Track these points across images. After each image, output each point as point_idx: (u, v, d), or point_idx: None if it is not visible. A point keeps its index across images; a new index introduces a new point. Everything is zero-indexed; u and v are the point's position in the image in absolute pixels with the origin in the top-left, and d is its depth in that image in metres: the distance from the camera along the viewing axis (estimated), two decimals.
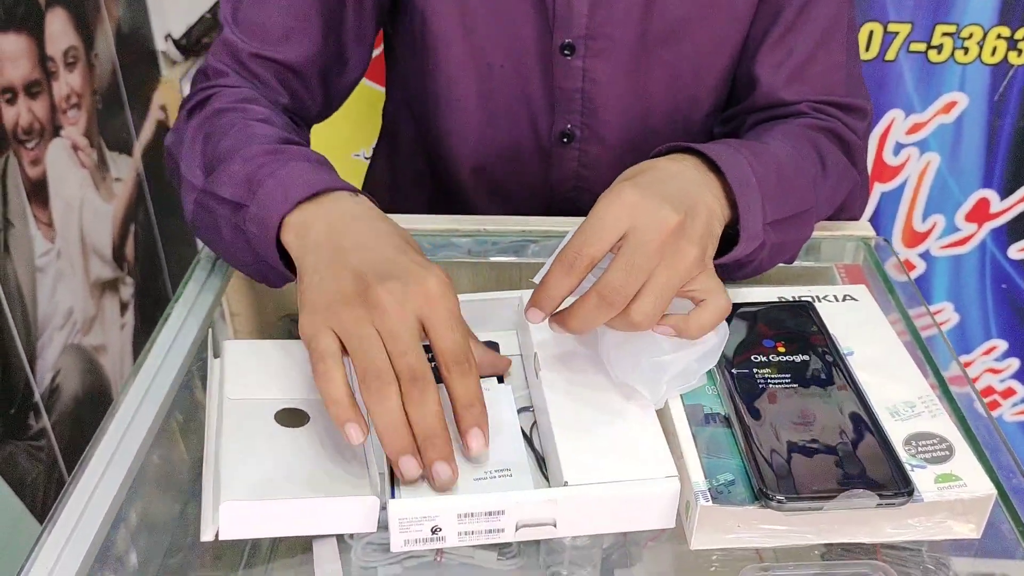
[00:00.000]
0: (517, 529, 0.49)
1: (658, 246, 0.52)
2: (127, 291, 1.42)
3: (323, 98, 0.78)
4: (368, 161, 1.37)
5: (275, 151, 0.61)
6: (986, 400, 1.44)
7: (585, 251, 0.52)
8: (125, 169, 1.42)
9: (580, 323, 0.53)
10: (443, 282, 0.51)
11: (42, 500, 1.11)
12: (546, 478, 0.54)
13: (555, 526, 0.50)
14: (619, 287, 0.51)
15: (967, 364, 1.41)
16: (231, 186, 0.60)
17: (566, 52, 0.76)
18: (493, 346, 0.62)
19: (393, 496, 0.50)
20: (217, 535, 0.48)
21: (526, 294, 0.62)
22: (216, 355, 0.59)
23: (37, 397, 1.12)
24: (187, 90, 1.66)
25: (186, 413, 0.61)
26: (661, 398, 0.54)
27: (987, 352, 1.39)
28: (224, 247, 0.64)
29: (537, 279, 0.54)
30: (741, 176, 0.60)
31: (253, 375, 0.57)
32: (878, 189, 1.29)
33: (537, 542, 0.52)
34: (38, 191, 1.14)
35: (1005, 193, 1.28)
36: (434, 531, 0.49)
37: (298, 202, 0.57)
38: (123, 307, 1.40)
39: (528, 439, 0.56)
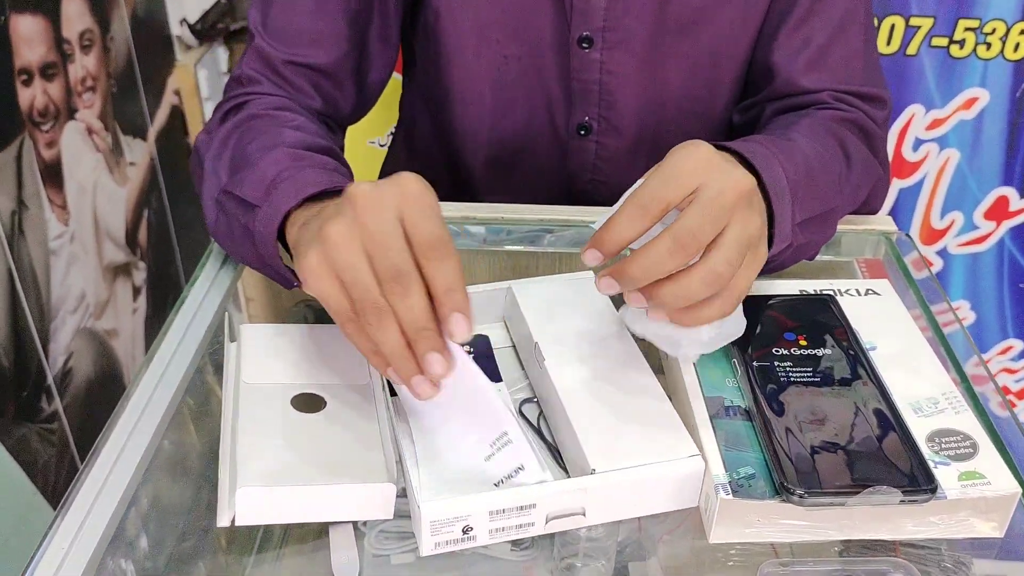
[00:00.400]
0: (547, 522, 0.49)
1: (732, 202, 0.49)
2: (139, 276, 1.42)
3: (355, 99, 0.78)
4: (383, 148, 1.37)
5: (299, 156, 0.61)
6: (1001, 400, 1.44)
7: (661, 194, 0.49)
8: (139, 153, 1.42)
9: (646, 270, 0.49)
10: (420, 181, 0.49)
11: (54, 482, 1.12)
12: (562, 468, 0.53)
13: (584, 515, 0.50)
14: (696, 231, 0.48)
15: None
16: (251, 187, 0.60)
17: (584, 44, 0.76)
18: (483, 340, 0.61)
19: (419, 498, 0.49)
20: (233, 520, 0.47)
21: (516, 284, 0.62)
22: (232, 339, 0.59)
23: (50, 380, 1.13)
24: (202, 76, 1.66)
25: (200, 398, 0.61)
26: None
27: (1003, 352, 1.38)
28: (234, 247, 0.64)
29: (598, 224, 0.51)
30: (775, 178, 0.58)
31: (270, 359, 0.57)
32: (896, 185, 1.28)
33: (552, 534, 0.51)
34: (53, 174, 1.14)
35: None
36: (465, 531, 0.48)
37: (304, 199, 0.56)
38: (135, 292, 1.40)
39: (537, 430, 0.56)
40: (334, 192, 0.57)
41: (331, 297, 0.48)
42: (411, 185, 0.48)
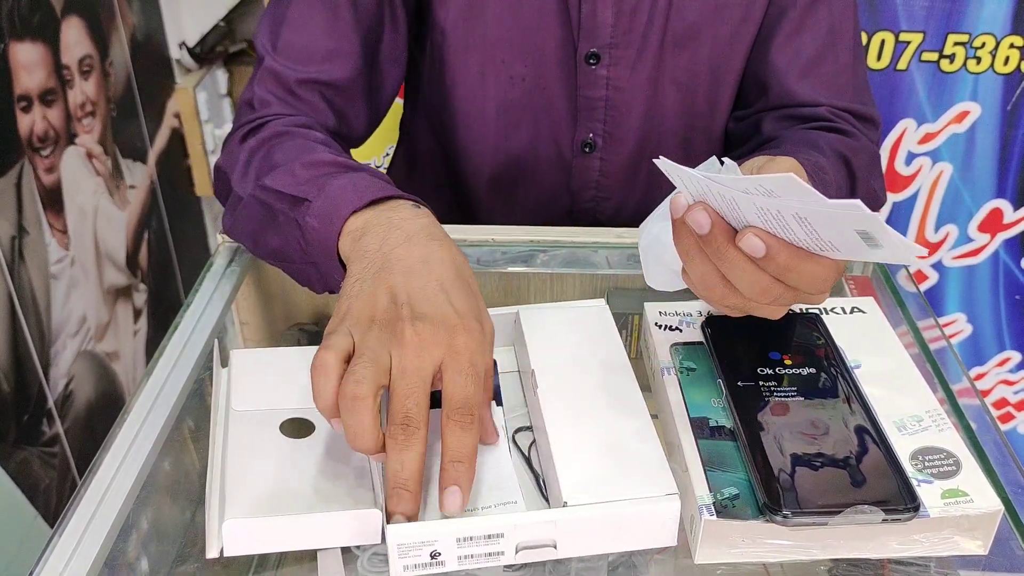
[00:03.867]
0: (517, 552, 0.49)
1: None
2: (140, 298, 1.43)
3: (367, 117, 0.79)
4: (381, 169, 1.38)
5: (340, 162, 0.62)
6: (1000, 412, 1.44)
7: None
8: (139, 176, 1.44)
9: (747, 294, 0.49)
10: (474, 337, 0.50)
11: (55, 506, 1.12)
12: (546, 499, 0.53)
13: (555, 547, 0.49)
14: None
15: (980, 376, 1.40)
16: (295, 183, 0.61)
17: (591, 61, 0.77)
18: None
19: (388, 522, 0.49)
20: (222, 552, 0.48)
21: (524, 309, 0.62)
22: (223, 364, 0.59)
23: (51, 403, 1.13)
24: (202, 98, 1.67)
25: (195, 420, 0.61)
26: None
27: (1001, 364, 1.38)
28: (268, 244, 0.64)
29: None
30: None
31: (260, 385, 0.57)
32: (890, 199, 1.29)
33: None
34: (53, 198, 1.15)
35: (1018, 203, 1.27)
36: (433, 556, 0.48)
37: (369, 202, 0.57)
38: (136, 314, 1.41)
39: (527, 459, 0.56)
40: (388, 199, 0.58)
41: (331, 337, 0.50)
42: (462, 342, 0.50)
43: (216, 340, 0.63)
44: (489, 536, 0.48)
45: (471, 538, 0.48)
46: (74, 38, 1.22)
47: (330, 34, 0.73)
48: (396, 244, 0.54)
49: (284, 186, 0.61)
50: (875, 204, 0.73)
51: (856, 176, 0.69)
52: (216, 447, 0.54)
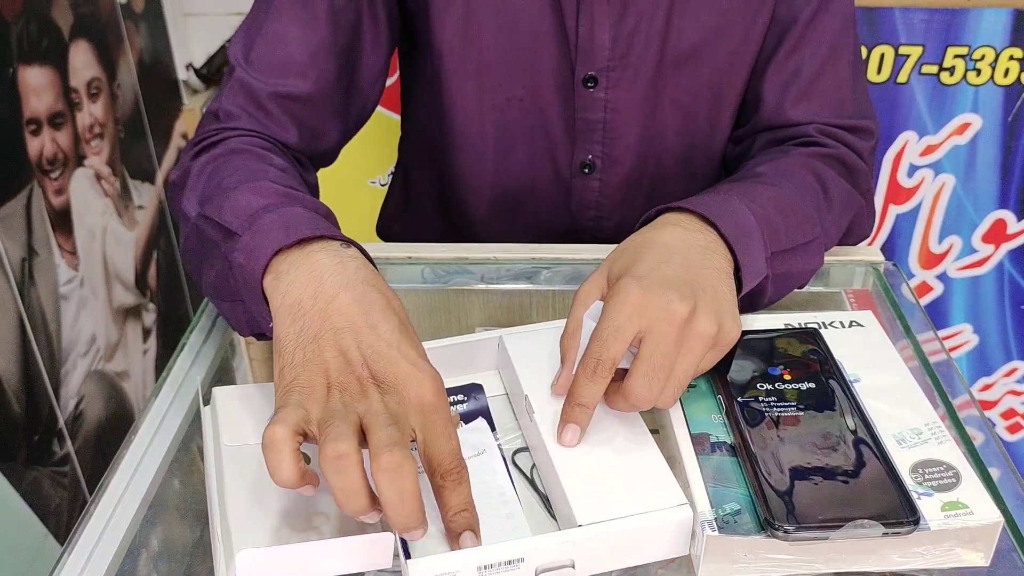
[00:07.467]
0: (537, 574, 0.49)
1: (674, 341, 0.52)
2: (150, 317, 1.44)
3: (337, 133, 0.77)
4: (383, 188, 1.39)
5: (281, 192, 0.60)
6: (1009, 422, 1.44)
7: (605, 355, 0.52)
8: (147, 197, 1.45)
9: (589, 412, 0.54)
10: (436, 387, 0.49)
11: (66, 525, 1.13)
12: (554, 518, 0.54)
13: (574, 567, 0.50)
14: (645, 395, 0.52)
15: (988, 386, 1.40)
16: (231, 214, 0.58)
17: (589, 84, 0.77)
18: (477, 388, 0.61)
19: (408, 556, 0.49)
20: None
21: (507, 333, 0.62)
22: (206, 403, 0.59)
23: (61, 423, 1.14)
24: None
25: (203, 439, 0.62)
26: None
27: (1008, 374, 1.38)
28: (207, 279, 0.61)
29: (554, 390, 0.56)
30: (738, 221, 0.60)
31: (246, 420, 0.56)
32: (893, 211, 1.29)
33: None
34: (62, 220, 1.17)
35: (1021, 214, 1.27)
36: None
37: (296, 241, 0.54)
38: (146, 333, 1.42)
39: (531, 481, 0.56)
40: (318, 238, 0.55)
41: (330, 427, 0.48)
42: (429, 395, 0.49)
43: (199, 378, 0.63)
44: (509, 562, 0.48)
45: (491, 565, 0.48)
46: (82, 61, 1.24)
47: (304, 48, 0.72)
48: (332, 296, 0.51)
49: (220, 217, 0.58)
50: (852, 202, 0.73)
51: (826, 184, 0.70)
52: (212, 483, 0.53)
